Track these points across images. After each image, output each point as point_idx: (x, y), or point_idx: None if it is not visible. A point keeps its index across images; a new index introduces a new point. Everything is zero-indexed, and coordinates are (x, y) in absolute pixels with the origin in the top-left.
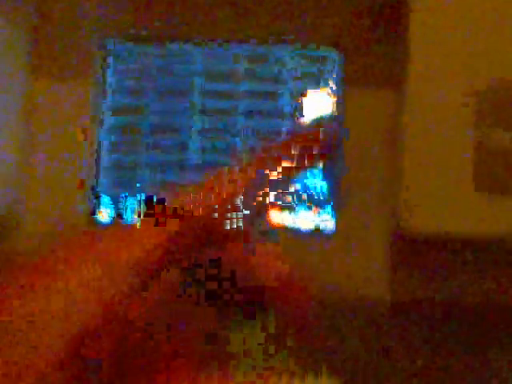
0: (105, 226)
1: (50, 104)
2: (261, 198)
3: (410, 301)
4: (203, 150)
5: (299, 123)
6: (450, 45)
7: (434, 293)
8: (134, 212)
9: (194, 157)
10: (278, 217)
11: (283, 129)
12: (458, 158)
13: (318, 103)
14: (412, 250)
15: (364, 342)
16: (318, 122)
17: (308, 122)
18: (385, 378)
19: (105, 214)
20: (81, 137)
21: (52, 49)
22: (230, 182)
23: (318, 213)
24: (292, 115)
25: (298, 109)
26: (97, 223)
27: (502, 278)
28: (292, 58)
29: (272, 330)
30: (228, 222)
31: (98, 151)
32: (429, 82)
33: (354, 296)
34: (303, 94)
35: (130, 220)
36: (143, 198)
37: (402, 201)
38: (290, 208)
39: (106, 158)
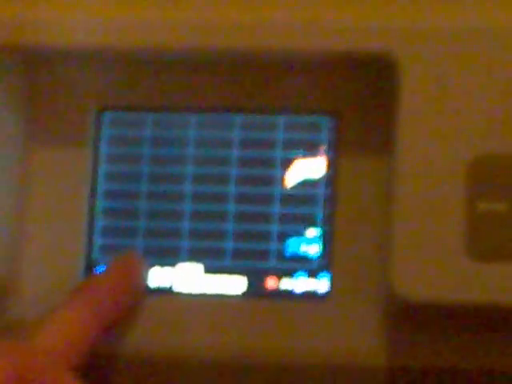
0: None
1: (45, 171)
2: None
3: (407, 367)
4: (195, 214)
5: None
6: (440, 114)
7: (431, 359)
8: None
9: (186, 224)
10: (275, 282)
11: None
12: (450, 225)
13: (308, 170)
14: (407, 316)
15: None
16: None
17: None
18: None
19: None
20: None
21: (46, 117)
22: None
23: (314, 277)
24: (281, 182)
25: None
26: None
27: (499, 345)
28: (285, 125)
29: None
30: None
31: (92, 218)
32: (418, 151)
33: (348, 362)
34: (293, 161)
35: None
36: None
37: (393, 267)
38: (287, 273)
39: (100, 224)
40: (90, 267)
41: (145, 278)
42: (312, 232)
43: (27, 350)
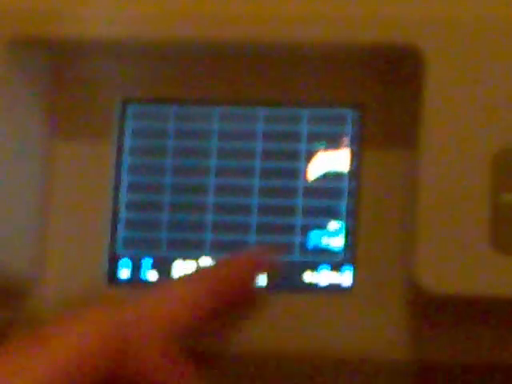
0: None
1: (69, 164)
2: None
3: (431, 361)
4: (219, 207)
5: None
6: (465, 105)
7: (455, 352)
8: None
9: (210, 217)
10: (298, 275)
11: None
12: (474, 217)
13: (331, 163)
14: (431, 309)
15: None
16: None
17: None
18: None
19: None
20: None
21: (70, 109)
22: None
23: (337, 270)
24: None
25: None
26: (116, 282)
27: None
28: (309, 117)
29: None
30: None
31: (116, 211)
32: (443, 143)
33: (371, 355)
34: (317, 154)
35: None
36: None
37: (417, 259)
38: (310, 266)
39: (124, 217)
40: (113, 260)
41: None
42: (334, 225)
43: (134, 313)
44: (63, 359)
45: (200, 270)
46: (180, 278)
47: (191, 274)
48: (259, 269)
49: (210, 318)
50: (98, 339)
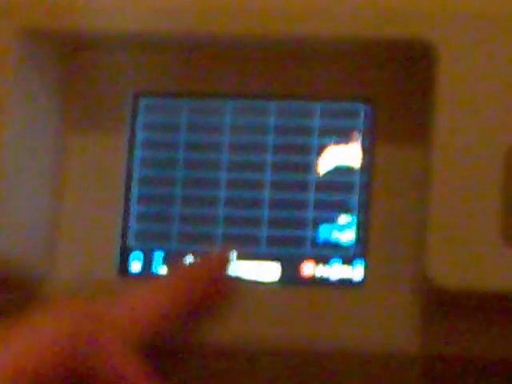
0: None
1: (81, 157)
2: None
3: (442, 355)
4: (230, 201)
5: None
6: (478, 100)
7: (466, 347)
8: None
9: (221, 211)
10: (311, 269)
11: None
12: (486, 212)
13: (343, 157)
14: (442, 303)
15: None
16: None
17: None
18: None
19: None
20: None
21: (83, 103)
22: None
23: (348, 264)
24: (315, 169)
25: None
26: (128, 275)
27: None
28: (321, 112)
29: None
30: None
31: (128, 204)
32: (455, 138)
33: (382, 349)
34: (328, 148)
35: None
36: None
37: (429, 253)
38: (321, 260)
39: (135, 211)
40: (125, 253)
41: (231, 277)
42: (345, 219)
43: (91, 315)
44: (27, 354)
45: (166, 275)
46: (148, 283)
47: (157, 279)
48: (221, 267)
49: (177, 320)
50: (61, 337)
